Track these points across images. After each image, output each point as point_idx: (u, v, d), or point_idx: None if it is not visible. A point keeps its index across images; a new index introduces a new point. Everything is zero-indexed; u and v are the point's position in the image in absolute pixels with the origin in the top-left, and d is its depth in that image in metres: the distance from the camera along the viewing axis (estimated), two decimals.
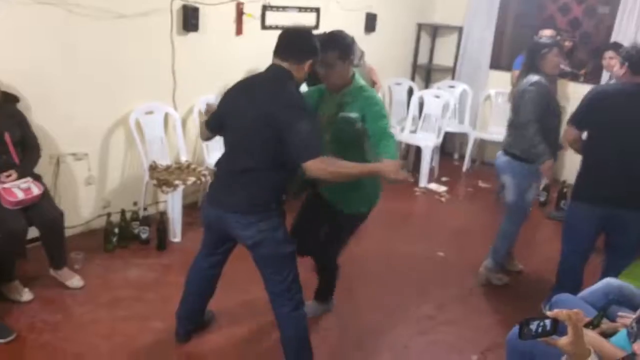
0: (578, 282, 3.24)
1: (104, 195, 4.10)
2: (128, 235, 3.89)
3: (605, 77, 5.11)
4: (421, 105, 5.96)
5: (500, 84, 6.05)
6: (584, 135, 3.17)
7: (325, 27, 4.79)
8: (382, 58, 5.85)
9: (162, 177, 3.91)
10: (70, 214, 3.66)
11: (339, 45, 2.64)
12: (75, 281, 3.34)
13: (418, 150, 5.77)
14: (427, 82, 6.79)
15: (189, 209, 4.20)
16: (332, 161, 2.35)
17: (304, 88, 2.77)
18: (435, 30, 6.63)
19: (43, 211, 3.16)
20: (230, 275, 2.93)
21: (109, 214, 3.81)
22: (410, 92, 6.23)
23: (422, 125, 5.89)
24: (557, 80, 3.91)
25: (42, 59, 3.52)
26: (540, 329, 1.62)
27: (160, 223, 3.88)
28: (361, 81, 2.76)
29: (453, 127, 6.14)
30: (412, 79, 6.61)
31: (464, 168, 6.19)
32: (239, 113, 2.45)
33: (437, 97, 5.88)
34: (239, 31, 4.58)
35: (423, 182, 5.56)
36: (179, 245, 3.99)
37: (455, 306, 3.49)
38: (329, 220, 2.95)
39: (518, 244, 3.92)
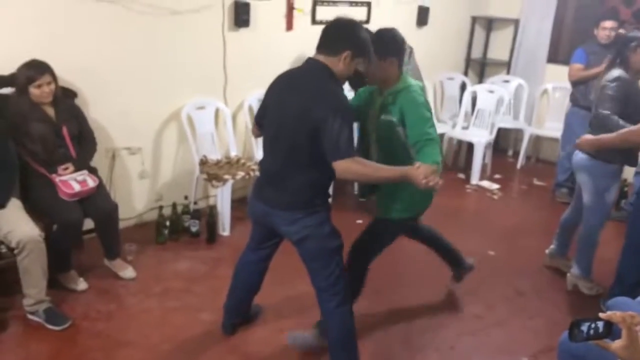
0: (639, 280, 3.12)
1: (156, 189, 4.20)
2: (179, 228, 3.98)
3: None
4: (474, 101, 5.82)
5: (557, 78, 5.82)
6: None
7: (376, 21, 4.80)
8: (434, 52, 5.76)
9: (212, 171, 3.98)
10: (124, 207, 3.76)
11: (376, 41, 2.53)
12: (128, 272, 3.44)
13: (470, 146, 5.65)
14: (480, 77, 6.62)
15: (238, 203, 4.25)
16: (359, 163, 2.30)
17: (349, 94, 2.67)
18: (490, 23, 6.46)
19: (98, 203, 3.26)
20: (276, 270, 2.94)
21: (161, 207, 3.91)
22: (463, 87, 6.11)
23: (474, 121, 5.75)
24: None
25: (98, 55, 3.63)
26: (592, 331, 1.55)
27: (210, 217, 3.95)
28: (409, 80, 2.67)
29: (507, 123, 5.97)
30: (465, 73, 6.46)
31: (518, 165, 6.01)
32: (279, 108, 2.42)
33: (491, 92, 5.73)
34: (289, 26, 4.59)
35: (475, 179, 5.44)
36: (228, 238, 4.04)
37: (505, 307, 3.40)
38: (369, 225, 2.85)
39: (575, 245, 3.77)
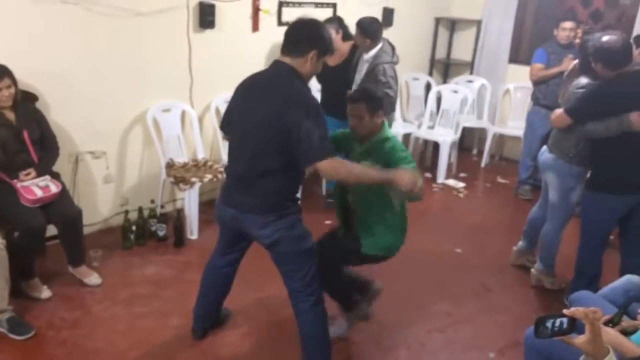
0: (597, 273, 3.26)
1: (121, 193, 4.14)
2: (145, 232, 3.93)
3: None
4: (439, 101, 5.91)
5: (519, 78, 5.95)
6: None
7: None
8: (399, 53, 5.78)
9: (179, 174, 3.94)
10: (89, 212, 3.70)
11: (369, 99, 2.66)
12: (94, 278, 3.38)
13: (436, 146, 5.73)
14: (445, 77, 6.73)
15: (205, 206, 4.22)
16: (344, 163, 2.34)
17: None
18: (453, 25, 6.57)
19: (61, 209, 3.20)
20: (245, 273, 2.93)
21: (126, 212, 3.85)
22: (428, 87, 6.19)
23: (439, 120, 5.84)
24: None
25: (60, 57, 3.56)
26: (556, 328, 1.59)
27: (177, 220, 3.91)
28: (388, 132, 2.75)
29: (471, 122, 6.08)
30: (430, 74, 6.55)
31: (483, 163, 6.13)
32: (247, 113, 2.41)
33: (455, 92, 5.82)
34: (255, 28, 4.58)
35: (441, 178, 5.52)
36: (196, 242, 4.01)
37: (473, 303, 3.46)
38: (347, 244, 2.86)
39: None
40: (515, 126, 5.94)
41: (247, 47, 4.53)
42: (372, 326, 3.16)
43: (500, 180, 5.71)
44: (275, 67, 2.42)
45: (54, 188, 3.18)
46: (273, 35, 4.60)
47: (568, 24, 4.78)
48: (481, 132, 6.36)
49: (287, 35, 2.41)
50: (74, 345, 2.85)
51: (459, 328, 3.21)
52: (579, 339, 1.59)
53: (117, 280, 3.45)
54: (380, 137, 2.72)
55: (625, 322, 2.18)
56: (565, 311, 1.61)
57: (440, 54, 6.64)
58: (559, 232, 3.54)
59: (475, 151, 6.56)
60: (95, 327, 3.01)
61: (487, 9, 6.18)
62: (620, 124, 2.95)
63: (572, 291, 2.86)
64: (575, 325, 1.61)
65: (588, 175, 3.30)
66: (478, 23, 6.31)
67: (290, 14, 4.75)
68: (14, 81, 3.09)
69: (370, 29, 4.08)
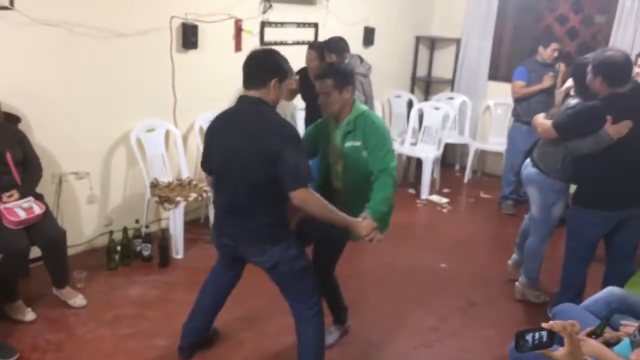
0: (582, 287, 3.29)
1: (106, 214, 4.11)
2: (130, 252, 3.90)
3: None
4: (421, 118, 5.98)
5: (499, 94, 6.07)
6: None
7: None
8: (381, 71, 5.87)
9: (163, 194, 3.93)
10: (73, 233, 3.68)
11: (335, 74, 2.68)
12: (78, 300, 3.34)
13: (419, 162, 5.79)
14: (426, 95, 6.82)
15: (191, 225, 4.21)
16: (317, 197, 2.39)
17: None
18: (433, 43, 6.68)
19: (45, 230, 3.17)
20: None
21: (111, 232, 3.82)
22: (410, 104, 6.27)
23: (422, 137, 5.91)
24: None
25: (43, 79, 3.56)
26: (537, 341, 1.63)
27: (162, 240, 3.89)
28: (361, 107, 2.77)
29: (453, 139, 6.16)
30: (412, 91, 6.64)
31: (465, 179, 6.20)
32: (227, 152, 2.44)
33: (437, 108, 5.90)
34: (238, 48, 4.61)
35: (424, 194, 5.57)
36: (181, 261, 3.99)
37: (459, 318, 3.48)
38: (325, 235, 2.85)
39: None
40: (496, 142, 6.03)
41: (230, 67, 4.52)
42: (358, 342, 3.17)
43: (483, 195, 5.78)
44: (244, 102, 2.46)
45: (38, 209, 3.16)
46: None
47: (554, 45, 4.91)
48: (463, 148, 6.44)
49: (246, 69, 2.45)
50: None
51: (446, 342, 3.23)
52: (559, 352, 1.62)
53: (102, 301, 3.42)
54: (355, 114, 2.72)
55: (608, 333, 2.21)
56: (544, 324, 1.64)
57: (421, 71, 6.74)
58: (542, 244, 3.59)
59: (457, 167, 6.64)
60: (80, 350, 2.97)
61: (466, 28, 6.31)
62: (599, 138, 2.97)
63: (556, 304, 2.89)
64: (554, 338, 1.64)
65: (573, 190, 3.33)
66: (457, 41, 6.42)
67: (273, 35, 4.81)
68: None
69: (334, 46, 4.18)
